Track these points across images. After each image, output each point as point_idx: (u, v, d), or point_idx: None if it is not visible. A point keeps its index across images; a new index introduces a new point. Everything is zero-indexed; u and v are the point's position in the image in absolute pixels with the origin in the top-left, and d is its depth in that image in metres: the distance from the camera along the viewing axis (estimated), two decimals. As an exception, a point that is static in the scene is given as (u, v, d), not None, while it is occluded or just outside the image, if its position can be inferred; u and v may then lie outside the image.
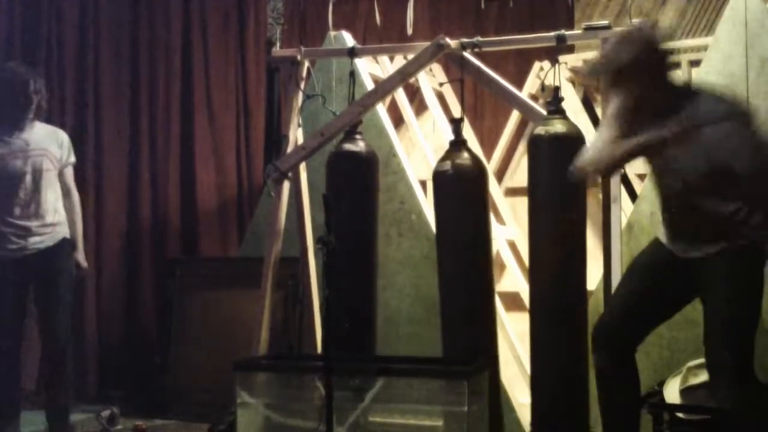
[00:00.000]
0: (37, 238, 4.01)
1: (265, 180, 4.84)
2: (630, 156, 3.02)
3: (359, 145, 3.98)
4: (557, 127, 3.56)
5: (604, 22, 3.73)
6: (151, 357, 5.10)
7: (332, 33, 4.81)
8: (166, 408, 4.85)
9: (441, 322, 3.78)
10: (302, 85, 4.23)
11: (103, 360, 5.30)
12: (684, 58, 4.76)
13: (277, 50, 4.39)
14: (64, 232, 4.10)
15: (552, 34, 3.75)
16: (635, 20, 3.68)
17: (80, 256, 4.18)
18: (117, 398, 4.60)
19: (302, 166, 4.22)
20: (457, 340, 3.71)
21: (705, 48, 4.10)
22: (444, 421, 3.23)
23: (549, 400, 3.52)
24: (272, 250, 4.09)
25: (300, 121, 4.25)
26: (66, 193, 4.14)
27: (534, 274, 3.64)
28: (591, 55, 4.80)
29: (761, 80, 3.74)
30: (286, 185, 4.17)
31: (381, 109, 4.69)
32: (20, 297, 4.05)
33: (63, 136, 4.17)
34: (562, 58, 3.94)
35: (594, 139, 3.08)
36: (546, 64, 4.92)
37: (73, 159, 4.20)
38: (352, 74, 4.09)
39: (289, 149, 4.18)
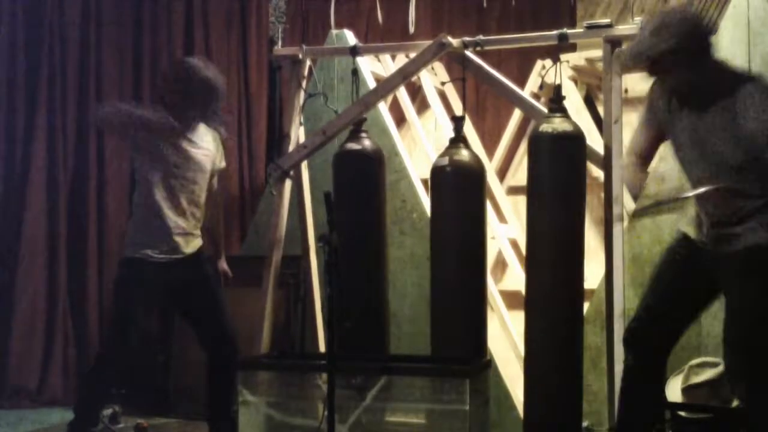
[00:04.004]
0: (196, 242, 3.84)
1: (267, 178, 4.84)
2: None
3: (364, 144, 3.96)
4: (559, 125, 3.54)
5: (606, 21, 3.72)
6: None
7: (334, 31, 4.81)
8: (167, 406, 4.86)
9: (431, 318, 3.74)
10: (304, 84, 4.24)
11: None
12: (686, 57, 4.75)
13: (279, 49, 4.37)
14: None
15: (553, 32, 3.74)
16: (636, 19, 3.64)
17: (225, 264, 4.06)
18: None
19: (304, 165, 4.23)
20: (445, 339, 3.67)
21: (707, 46, 4.09)
22: (445, 420, 3.23)
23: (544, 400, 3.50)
24: (274, 249, 4.10)
25: (302, 120, 4.26)
26: (212, 198, 3.94)
27: (530, 272, 3.61)
28: (593, 53, 4.81)
29: (763, 79, 3.73)
30: (288, 184, 4.17)
31: (383, 107, 4.68)
32: (170, 301, 3.93)
33: (219, 139, 3.95)
34: (564, 56, 3.93)
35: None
36: (549, 62, 4.91)
37: (224, 164, 4.02)
38: (355, 73, 4.09)
39: (291, 148, 4.18)
